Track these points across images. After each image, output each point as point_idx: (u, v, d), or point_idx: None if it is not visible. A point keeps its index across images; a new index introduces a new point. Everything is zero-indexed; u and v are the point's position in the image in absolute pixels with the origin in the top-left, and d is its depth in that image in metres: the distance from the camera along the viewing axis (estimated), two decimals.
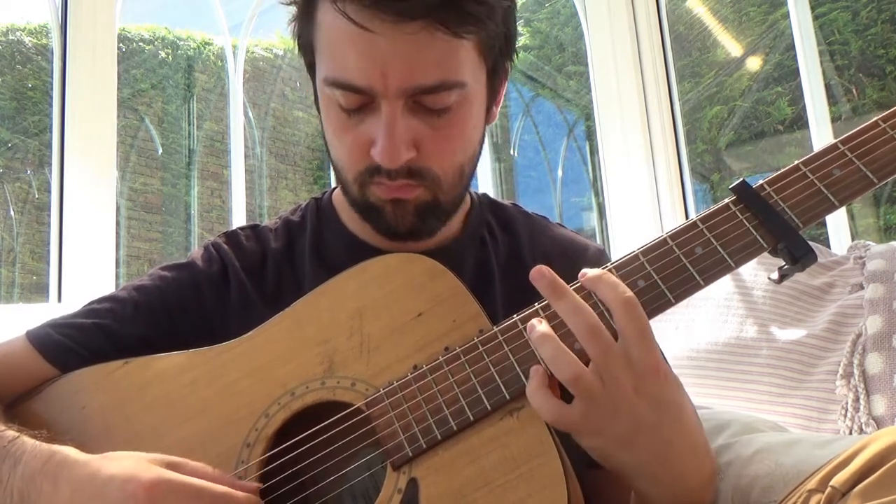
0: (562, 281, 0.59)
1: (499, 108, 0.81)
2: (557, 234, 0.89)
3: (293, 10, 0.75)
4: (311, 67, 0.76)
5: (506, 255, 0.85)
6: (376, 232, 0.78)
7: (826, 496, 0.56)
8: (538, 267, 0.60)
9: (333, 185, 0.88)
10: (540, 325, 0.59)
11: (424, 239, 0.78)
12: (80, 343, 0.76)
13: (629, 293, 0.58)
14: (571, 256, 0.85)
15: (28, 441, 0.61)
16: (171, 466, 0.59)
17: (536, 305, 0.65)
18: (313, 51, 0.73)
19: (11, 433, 0.62)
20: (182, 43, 3.94)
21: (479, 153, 0.78)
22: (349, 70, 0.67)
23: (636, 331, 0.57)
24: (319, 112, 0.77)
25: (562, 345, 0.57)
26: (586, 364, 0.57)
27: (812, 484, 0.59)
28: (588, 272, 0.61)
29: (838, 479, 0.56)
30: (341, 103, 0.70)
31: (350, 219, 0.84)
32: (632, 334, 0.57)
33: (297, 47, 0.77)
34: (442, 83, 0.67)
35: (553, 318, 0.62)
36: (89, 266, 1.59)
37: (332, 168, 0.79)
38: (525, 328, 0.63)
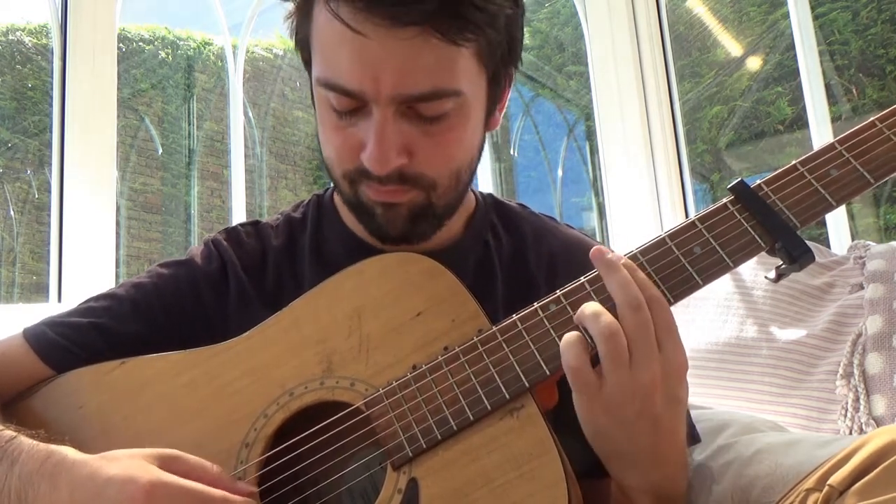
0: (616, 260, 0.61)
1: (502, 114, 0.80)
2: (564, 235, 0.88)
3: (289, 6, 0.74)
4: (307, 63, 0.75)
5: (509, 256, 0.84)
6: (368, 233, 0.78)
7: (824, 495, 0.56)
8: (597, 247, 0.62)
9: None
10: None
11: (415, 243, 0.76)
12: (76, 342, 0.76)
13: (656, 291, 0.61)
14: (578, 257, 0.84)
15: (25, 441, 0.61)
16: (169, 461, 0.59)
17: (535, 305, 0.65)
18: (309, 48, 0.72)
19: (9, 433, 0.62)
20: (182, 43, 3.94)
21: (479, 158, 0.78)
22: (341, 73, 0.66)
23: (669, 326, 0.59)
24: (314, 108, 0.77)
25: (604, 308, 0.59)
26: None
27: (810, 483, 0.59)
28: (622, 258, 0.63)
29: (836, 478, 0.56)
30: (333, 104, 0.69)
31: (350, 217, 0.84)
32: (665, 329, 0.59)
33: (294, 43, 0.76)
34: (434, 91, 0.66)
35: (554, 318, 0.63)
36: (89, 266, 1.59)
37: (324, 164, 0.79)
38: (524, 329, 0.64)
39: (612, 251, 0.62)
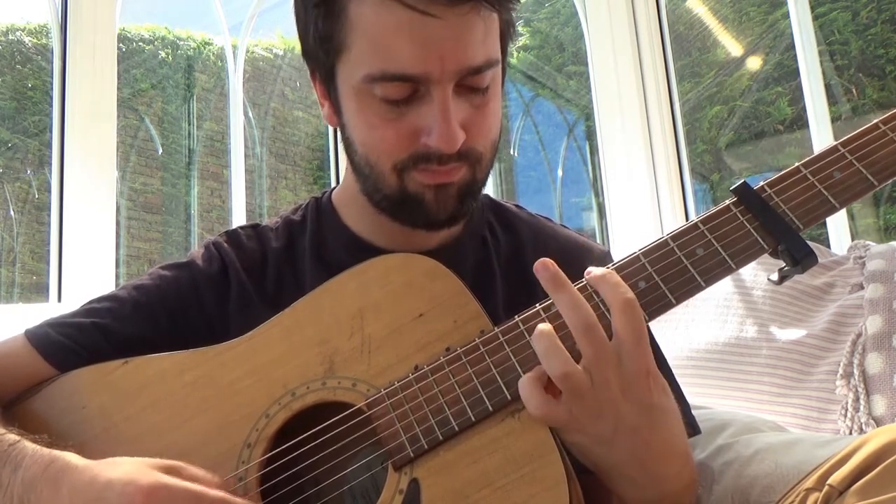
0: (563, 276, 0.60)
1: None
2: (562, 235, 0.88)
3: (291, 14, 0.74)
4: (321, 64, 0.74)
5: (507, 255, 0.85)
6: (410, 225, 0.77)
7: (823, 495, 0.56)
8: (542, 259, 0.61)
9: (333, 184, 0.88)
10: (543, 325, 0.60)
11: (460, 223, 0.78)
12: (79, 343, 0.76)
13: (630, 294, 0.59)
14: (575, 257, 0.84)
15: (29, 446, 0.61)
16: (170, 471, 0.59)
17: (538, 306, 0.65)
18: (339, 51, 0.71)
19: (12, 437, 0.62)
20: (182, 43, 3.94)
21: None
22: (402, 59, 0.67)
23: (632, 332, 0.58)
24: (339, 112, 0.75)
25: (557, 342, 0.58)
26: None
27: (810, 482, 0.59)
28: (594, 270, 0.62)
29: (836, 478, 0.56)
30: (387, 96, 0.69)
31: (351, 218, 0.84)
32: (627, 336, 0.58)
33: (316, 51, 0.74)
34: (487, 61, 0.70)
35: (556, 318, 0.62)
36: (89, 266, 1.59)
37: (353, 167, 0.78)
38: (526, 329, 0.64)
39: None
